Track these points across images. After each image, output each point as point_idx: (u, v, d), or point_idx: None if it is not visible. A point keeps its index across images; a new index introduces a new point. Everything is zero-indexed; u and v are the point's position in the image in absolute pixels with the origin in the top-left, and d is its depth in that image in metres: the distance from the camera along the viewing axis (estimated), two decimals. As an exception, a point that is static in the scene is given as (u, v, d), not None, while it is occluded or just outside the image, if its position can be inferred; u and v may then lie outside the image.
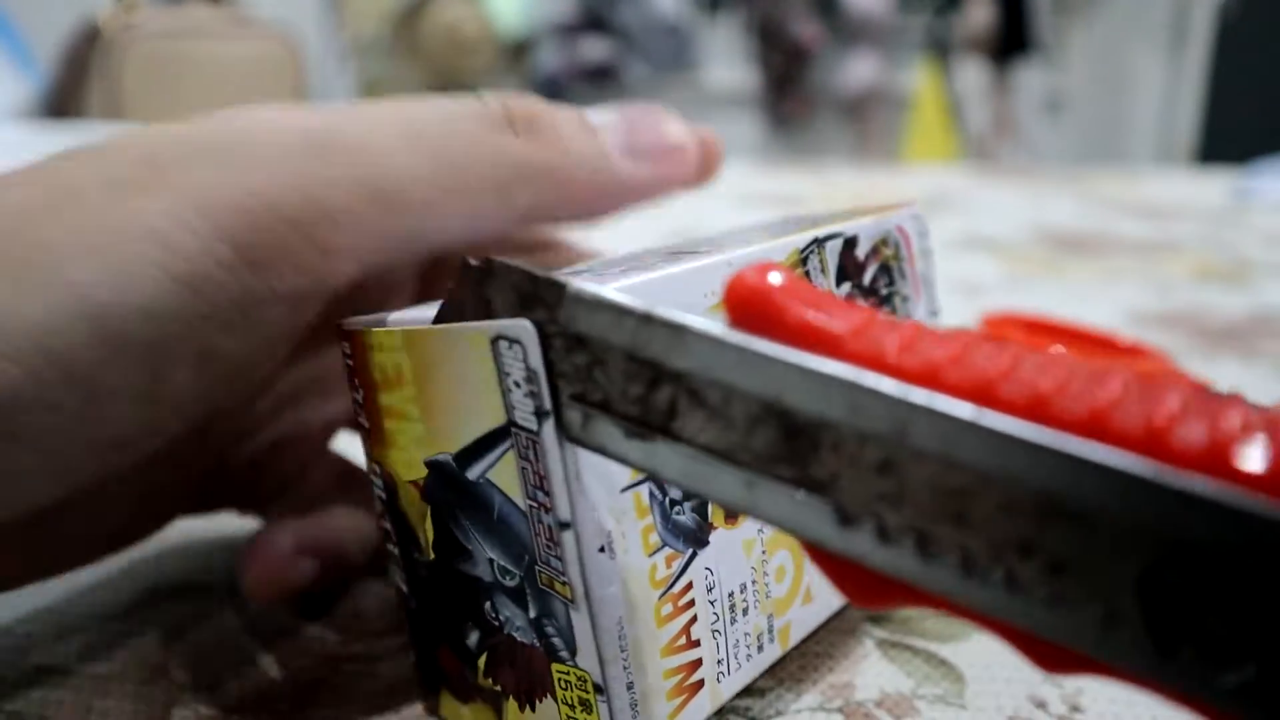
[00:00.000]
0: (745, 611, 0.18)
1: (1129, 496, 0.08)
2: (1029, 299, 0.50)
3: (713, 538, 0.17)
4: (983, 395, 0.10)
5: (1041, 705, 0.19)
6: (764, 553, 0.18)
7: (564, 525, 0.15)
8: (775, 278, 0.12)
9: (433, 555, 0.17)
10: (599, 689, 0.15)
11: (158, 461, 0.18)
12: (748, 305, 0.12)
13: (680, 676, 0.16)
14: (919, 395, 0.09)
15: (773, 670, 0.20)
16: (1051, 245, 0.64)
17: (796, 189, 0.86)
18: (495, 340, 0.14)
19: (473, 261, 0.14)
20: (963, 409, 0.09)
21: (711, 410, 0.11)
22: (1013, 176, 0.96)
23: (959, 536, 0.09)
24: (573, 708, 0.16)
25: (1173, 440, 0.08)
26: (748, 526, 0.18)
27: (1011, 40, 2.52)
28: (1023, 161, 2.43)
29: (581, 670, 0.15)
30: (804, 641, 0.20)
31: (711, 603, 0.17)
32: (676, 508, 0.16)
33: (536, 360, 0.14)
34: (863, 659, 0.21)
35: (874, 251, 0.20)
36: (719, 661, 0.17)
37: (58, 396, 0.14)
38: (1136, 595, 0.08)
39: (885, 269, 0.21)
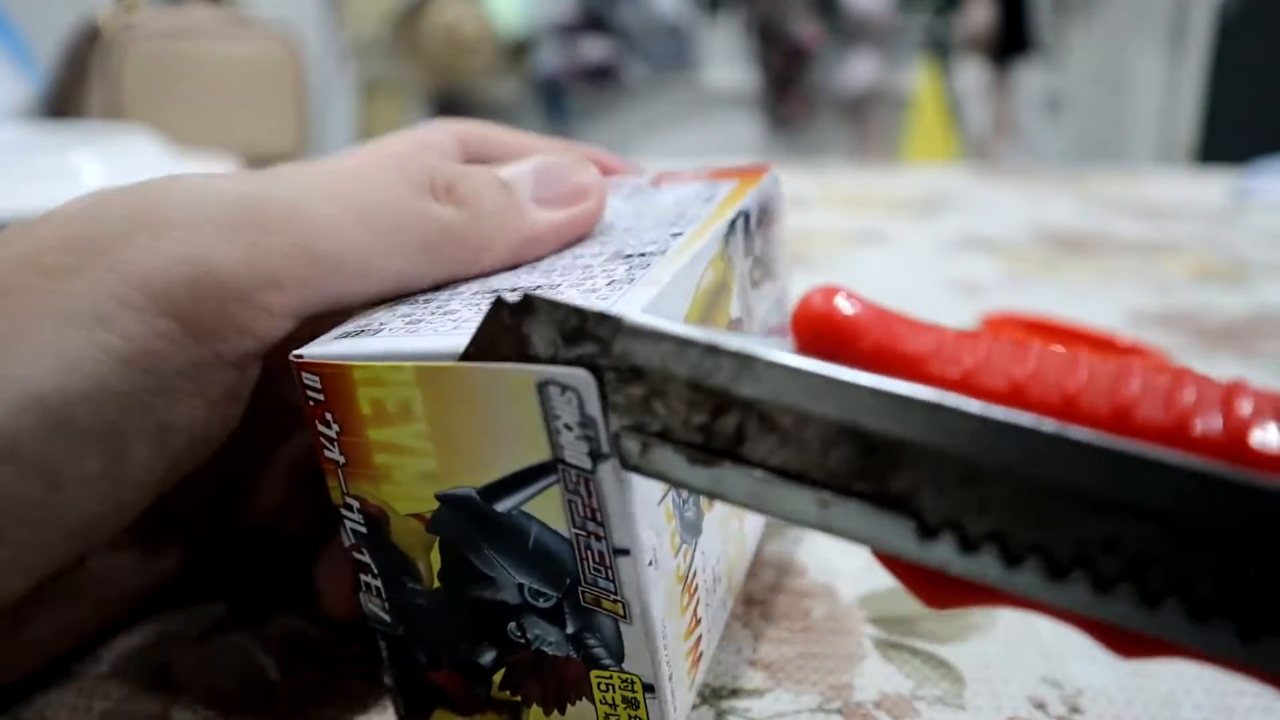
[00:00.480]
0: (719, 579, 0.19)
1: (1205, 495, 0.09)
2: (1029, 299, 0.50)
3: (704, 523, 0.18)
4: (1063, 408, 0.10)
5: (1041, 706, 0.19)
6: (729, 524, 0.19)
7: (621, 552, 0.15)
8: (844, 304, 0.12)
9: (437, 584, 0.17)
10: (649, 688, 0.16)
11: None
12: (819, 330, 0.12)
13: (693, 655, 0.17)
14: (1001, 413, 0.10)
15: (773, 671, 0.20)
16: (1051, 245, 0.64)
17: (796, 189, 0.86)
18: (544, 385, 0.14)
19: (509, 298, 0.14)
20: (1046, 425, 0.10)
21: (784, 434, 0.12)
22: (1013, 176, 0.96)
23: (1042, 541, 0.10)
24: (613, 706, 0.16)
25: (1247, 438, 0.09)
26: (723, 506, 0.18)
27: (1011, 40, 2.52)
28: (1023, 161, 2.43)
29: (628, 674, 0.16)
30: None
31: (704, 582, 0.18)
32: (686, 505, 0.17)
33: (594, 408, 0.14)
34: (862, 660, 0.21)
35: (760, 221, 0.21)
36: (709, 630, 0.18)
37: (18, 489, 0.14)
38: (1217, 585, 0.09)
39: (767, 236, 0.22)
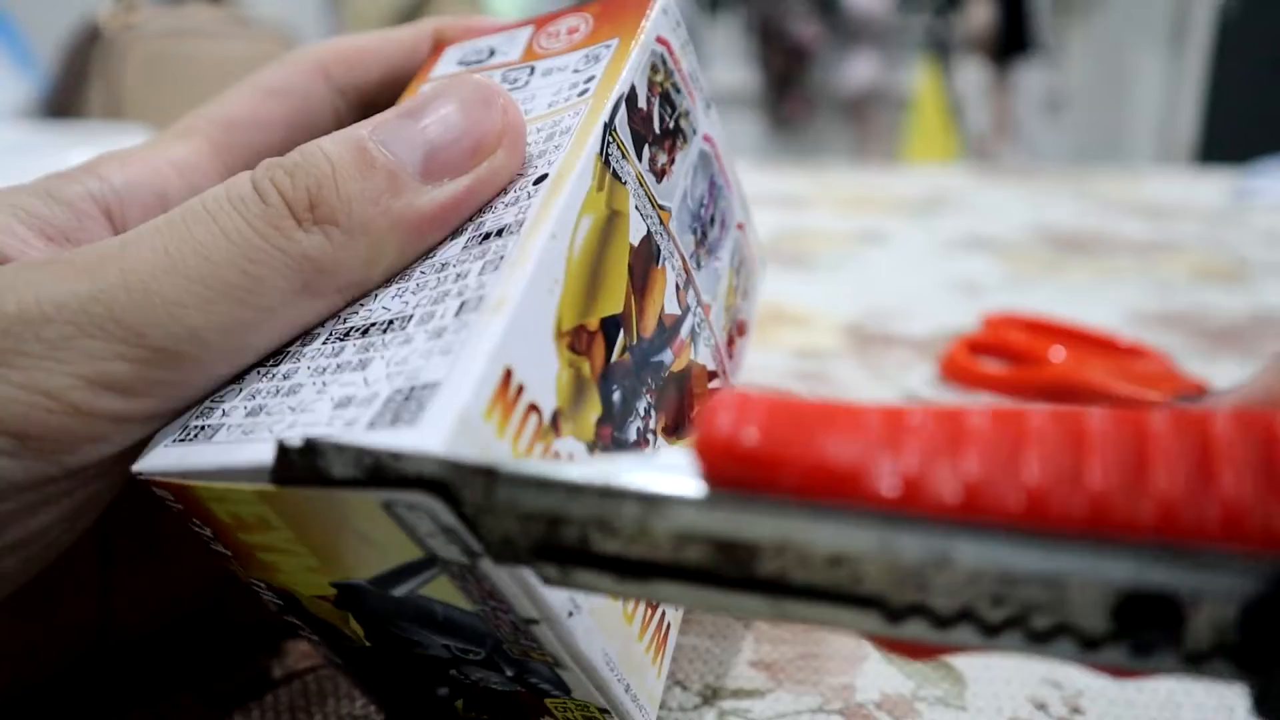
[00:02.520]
0: None
1: (1095, 565, 0.10)
2: (1029, 299, 0.50)
3: None
4: (1026, 514, 0.10)
5: (1041, 707, 0.19)
6: None
7: (531, 621, 0.14)
8: (750, 436, 0.11)
9: (368, 644, 0.16)
10: (604, 710, 0.16)
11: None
12: (730, 464, 0.11)
13: (656, 640, 0.17)
14: (951, 529, 0.10)
15: (774, 671, 0.20)
16: (1051, 245, 0.64)
17: (796, 189, 0.86)
18: (388, 505, 0.13)
19: (290, 442, 0.12)
20: (978, 547, 0.10)
21: (714, 552, 0.11)
22: (1013, 176, 0.96)
23: (999, 614, 0.10)
24: None
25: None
26: None
27: (1011, 40, 2.52)
28: (1023, 161, 2.43)
29: (578, 701, 0.16)
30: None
31: None
32: None
33: (449, 518, 0.12)
34: (863, 660, 0.21)
35: (651, 88, 0.18)
36: (667, 628, 0.18)
37: None
38: (1113, 617, 0.10)
39: (665, 98, 0.19)
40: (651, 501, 0.11)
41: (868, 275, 0.56)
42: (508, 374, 0.13)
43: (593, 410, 0.15)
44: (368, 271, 0.16)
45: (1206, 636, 0.10)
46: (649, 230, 0.17)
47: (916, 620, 0.10)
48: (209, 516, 0.15)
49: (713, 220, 0.20)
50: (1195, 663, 0.10)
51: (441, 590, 0.14)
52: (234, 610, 0.20)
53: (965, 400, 0.37)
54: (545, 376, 0.14)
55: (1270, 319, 0.47)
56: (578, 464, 0.12)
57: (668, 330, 0.18)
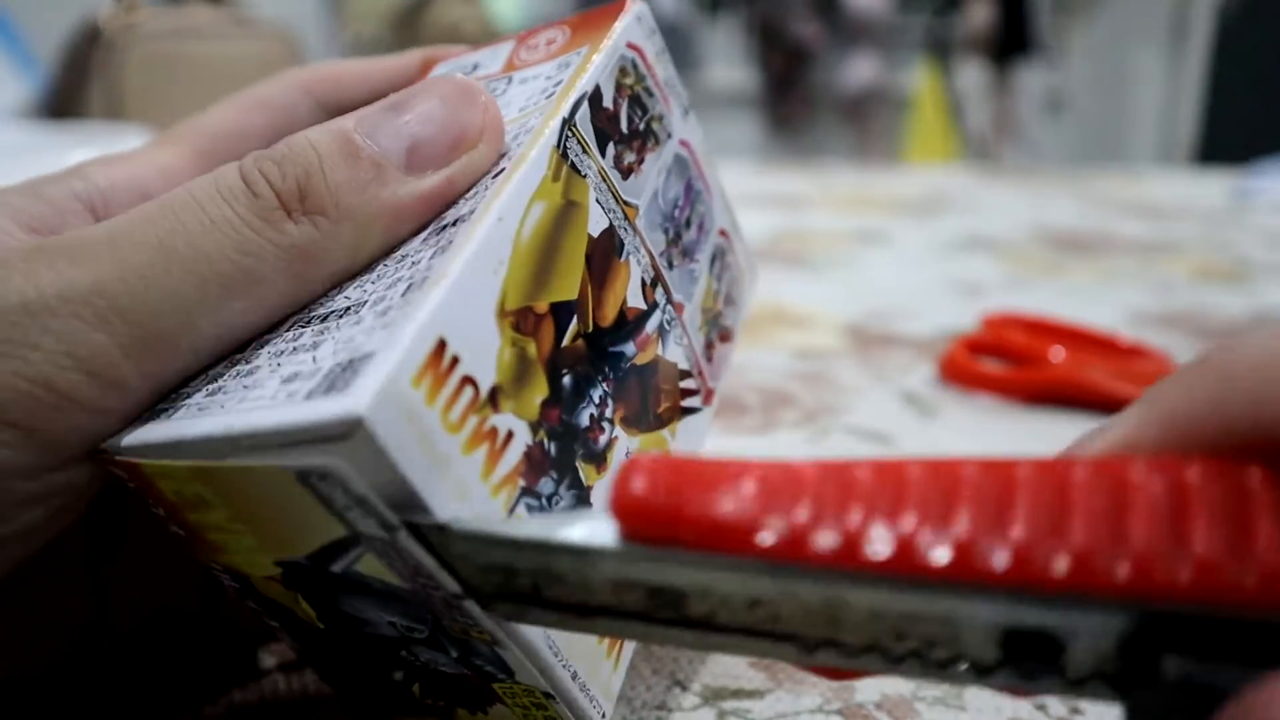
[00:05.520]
0: None
1: (974, 608, 0.11)
2: (1029, 299, 0.50)
3: (594, 492, 0.17)
4: (897, 562, 0.11)
5: (1041, 707, 0.19)
6: None
7: (458, 596, 0.14)
8: (659, 496, 0.12)
9: (322, 626, 0.17)
10: (548, 695, 0.16)
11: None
12: (640, 518, 0.12)
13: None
14: (837, 577, 0.11)
15: (773, 672, 0.20)
16: (1051, 245, 0.64)
17: (796, 189, 0.86)
18: (303, 476, 0.13)
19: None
20: (870, 593, 0.11)
21: (647, 597, 0.12)
22: (1013, 176, 0.96)
23: (902, 647, 0.11)
24: (527, 710, 0.16)
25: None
26: (620, 460, 0.17)
27: (1011, 40, 2.52)
28: (1023, 161, 2.43)
29: (523, 684, 0.16)
30: None
31: None
32: (555, 498, 0.16)
33: (361, 485, 0.13)
34: (863, 660, 0.21)
35: (619, 90, 0.18)
36: None
37: None
38: (1001, 648, 0.11)
39: (635, 101, 0.19)
40: (582, 554, 0.12)
41: (868, 275, 0.56)
42: (441, 344, 0.14)
43: (537, 391, 0.15)
44: (353, 259, 0.16)
45: (1086, 664, 0.11)
46: (611, 224, 0.18)
47: (828, 651, 0.12)
48: (160, 496, 0.15)
49: (688, 223, 0.21)
50: (1077, 686, 0.11)
51: (373, 567, 0.14)
52: (228, 610, 0.20)
53: (961, 398, 0.37)
54: (484, 352, 0.14)
55: (1270, 319, 0.47)
56: (518, 523, 0.13)
57: (630, 323, 0.18)
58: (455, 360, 0.14)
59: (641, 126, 0.19)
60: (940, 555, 0.11)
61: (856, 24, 2.65)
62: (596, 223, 0.17)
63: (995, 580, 0.11)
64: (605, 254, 0.17)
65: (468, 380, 0.14)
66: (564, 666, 0.16)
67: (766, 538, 0.11)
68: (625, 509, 0.12)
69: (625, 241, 0.18)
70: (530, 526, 0.13)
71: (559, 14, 2.72)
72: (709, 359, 0.21)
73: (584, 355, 0.17)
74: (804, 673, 0.20)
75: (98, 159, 0.20)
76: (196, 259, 0.15)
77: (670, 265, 0.20)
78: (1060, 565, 0.11)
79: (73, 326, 0.14)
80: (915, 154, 2.63)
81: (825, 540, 0.11)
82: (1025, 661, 0.11)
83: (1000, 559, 0.11)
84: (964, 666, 0.11)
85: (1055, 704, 0.19)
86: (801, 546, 0.11)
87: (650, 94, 0.19)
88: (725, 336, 0.22)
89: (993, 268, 0.57)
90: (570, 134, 0.17)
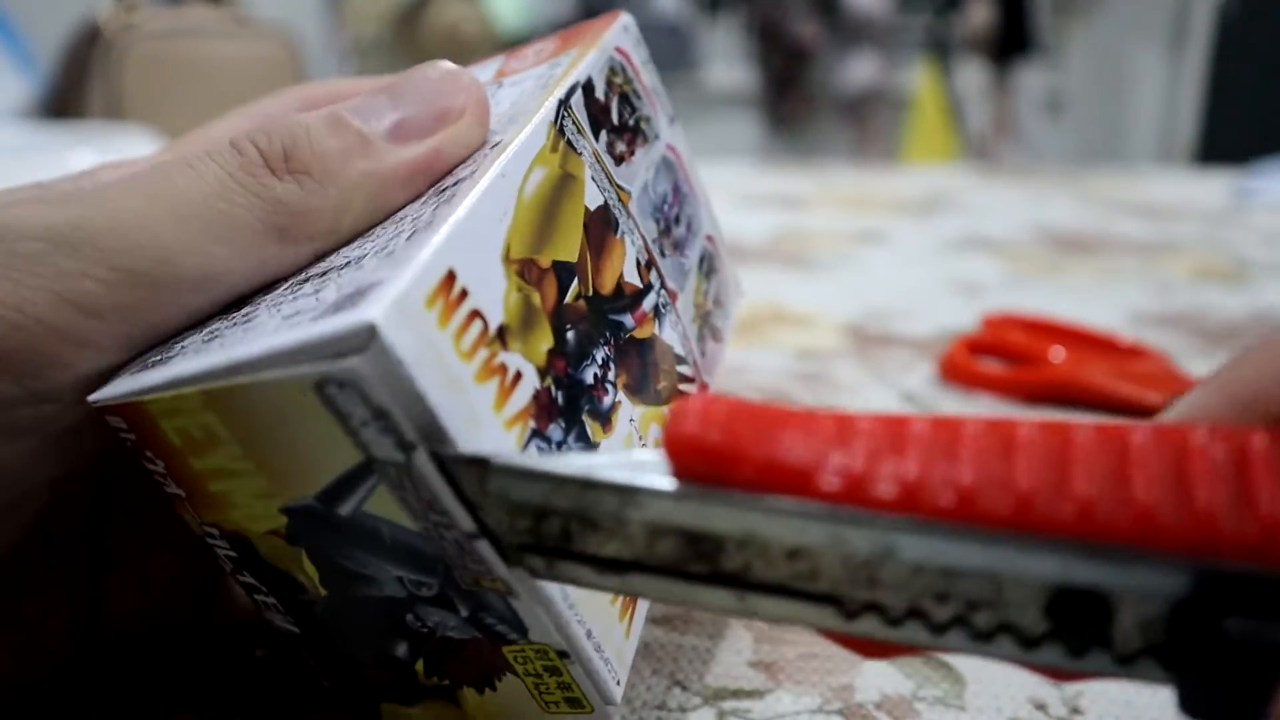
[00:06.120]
0: None
1: (1025, 561, 0.11)
2: (1029, 299, 0.50)
3: (602, 449, 0.17)
4: (960, 508, 0.11)
5: (1041, 707, 0.19)
6: (640, 439, 0.18)
7: (473, 536, 0.14)
8: (715, 434, 0.12)
9: (324, 591, 0.16)
10: (562, 654, 0.15)
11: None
12: (696, 458, 0.12)
13: (622, 598, 0.17)
14: (893, 524, 0.11)
15: (773, 672, 0.20)
16: (1051, 245, 0.64)
17: (796, 189, 0.86)
18: (321, 385, 0.13)
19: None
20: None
21: (684, 545, 0.12)
22: (1013, 176, 0.96)
23: (944, 611, 0.11)
24: (538, 676, 0.16)
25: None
26: (624, 425, 0.17)
27: (1011, 40, 2.52)
28: (1023, 161, 2.43)
29: (538, 644, 0.15)
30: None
31: None
32: (565, 447, 0.16)
33: (383, 396, 0.13)
34: (862, 661, 0.21)
35: (609, 86, 0.19)
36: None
37: None
38: (1048, 616, 0.11)
39: (624, 99, 0.20)
40: (626, 493, 0.12)
41: (868, 275, 0.56)
42: (450, 275, 0.14)
43: (543, 339, 0.16)
44: (337, 220, 0.16)
45: (1135, 635, 0.10)
46: (606, 202, 0.18)
47: (870, 617, 0.11)
48: (161, 442, 0.15)
49: (678, 220, 0.21)
50: (1126, 663, 0.11)
51: (384, 506, 0.14)
52: (222, 613, 0.20)
53: (961, 398, 0.37)
54: (491, 290, 0.15)
55: (1270, 319, 0.47)
56: (561, 458, 0.13)
57: (628, 297, 0.18)
58: (464, 292, 0.14)
59: (631, 122, 0.20)
60: (998, 502, 0.11)
61: (856, 24, 2.65)
62: (592, 198, 0.18)
63: (1053, 528, 0.11)
64: (601, 227, 0.18)
65: (477, 314, 0.14)
66: (579, 622, 0.15)
67: (826, 479, 0.11)
68: (679, 447, 0.12)
69: (620, 221, 0.19)
70: (572, 462, 0.12)
71: (559, 14, 2.72)
72: (702, 353, 0.21)
73: (586, 316, 0.17)
74: (804, 673, 0.20)
75: (109, 163, 0.20)
76: (178, 202, 0.15)
77: (663, 254, 0.20)
78: (1118, 517, 0.10)
79: (42, 250, 0.14)
80: (915, 154, 2.63)
81: (884, 485, 0.11)
82: (1072, 633, 0.11)
83: (1059, 508, 0.11)
84: (1008, 639, 0.11)
85: (1056, 704, 0.19)
86: (859, 489, 0.11)
87: (638, 96, 0.20)
88: (716, 336, 0.22)
89: (992, 268, 0.57)
90: (566, 114, 0.18)
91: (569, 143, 0.17)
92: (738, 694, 0.19)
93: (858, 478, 0.11)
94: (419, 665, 0.17)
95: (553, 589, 0.15)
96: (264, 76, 1.25)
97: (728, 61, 2.82)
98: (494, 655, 0.16)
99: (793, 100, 2.77)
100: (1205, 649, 0.10)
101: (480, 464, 0.13)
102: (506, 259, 0.15)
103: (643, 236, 0.19)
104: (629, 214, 0.19)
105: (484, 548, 0.14)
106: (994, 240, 0.65)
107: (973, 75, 2.59)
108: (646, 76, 0.21)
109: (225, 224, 0.15)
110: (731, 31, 2.81)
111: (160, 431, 0.15)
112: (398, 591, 0.15)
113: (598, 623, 0.16)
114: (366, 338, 0.12)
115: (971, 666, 0.20)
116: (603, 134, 0.19)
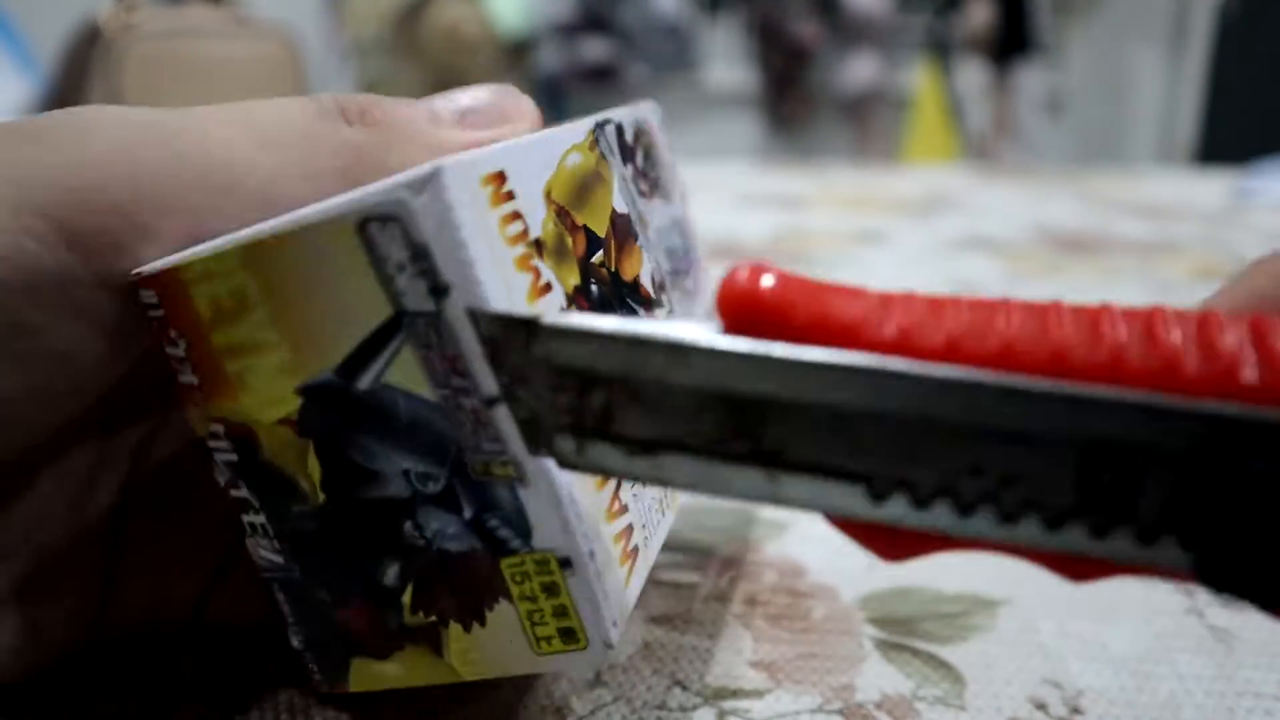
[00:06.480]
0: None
1: (1058, 414, 0.11)
2: (1029, 299, 0.50)
3: None
4: (1001, 356, 0.11)
5: (1042, 707, 0.19)
6: None
7: (492, 401, 0.14)
8: (769, 281, 0.12)
9: (322, 497, 0.16)
10: (565, 563, 0.15)
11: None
12: (747, 309, 0.12)
13: (623, 542, 0.16)
14: (936, 381, 0.11)
15: (773, 671, 0.20)
16: (1051, 245, 0.64)
17: (796, 189, 0.86)
18: (363, 225, 0.14)
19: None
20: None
21: (725, 417, 0.12)
22: (1013, 176, 0.96)
23: (974, 488, 0.11)
24: (533, 600, 0.15)
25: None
26: None
27: (1011, 40, 2.52)
28: (1023, 161, 2.43)
29: (541, 552, 0.15)
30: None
31: None
32: None
33: (421, 232, 0.13)
34: (862, 660, 0.21)
35: (636, 137, 0.21)
36: (643, 526, 0.17)
37: None
38: (1076, 488, 0.11)
39: (647, 153, 0.21)
40: (677, 351, 0.12)
41: (868, 275, 0.56)
42: (502, 174, 0.15)
43: (572, 276, 0.16)
44: (399, 168, 0.18)
45: (1156, 502, 0.11)
46: (629, 213, 0.19)
47: (899, 499, 0.12)
48: (188, 314, 0.15)
49: (687, 272, 0.23)
50: (1148, 541, 0.11)
51: (406, 374, 0.14)
52: (219, 614, 0.20)
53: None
54: (533, 208, 0.15)
55: (1270, 319, 0.47)
56: (610, 319, 0.13)
57: (644, 297, 0.19)
58: (511, 194, 0.15)
59: (653, 174, 0.21)
60: (1037, 350, 0.11)
61: (856, 24, 2.65)
62: (619, 203, 0.19)
63: (1088, 375, 0.11)
64: (625, 229, 0.19)
65: (519, 216, 0.15)
66: (584, 537, 0.15)
67: (874, 330, 0.12)
68: (732, 301, 0.12)
69: (640, 236, 0.20)
70: (621, 323, 0.13)
71: (559, 15, 2.72)
72: None
73: (609, 284, 0.18)
74: (804, 673, 0.20)
75: None
76: (258, 127, 0.16)
77: (674, 286, 0.21)
78: (1151, 358, 0.11)
79: (135, 142, 0.15)
80: (915, 154, 2.63)
81: (931, 336, 0.12)
82: (1098, 508, 0.11)
83: (1093, 354, 0.11)
84: (1034, 519, 0.11)
85: (1056, 704, 0.19)
86: (906, 340, 0.12)
87: (658, 159, 0.22)
88: None
89: (993, 267, 0.57)
90: (601, 133, 0.19)
91: (602, 154, 0.19)
92: (738, 694, 0.19)
93: (905, 329, 0.12)
94: (406, 597, 0.16)
95: (562, 484, 0.15)
96: (264, 76, 1.25)
97: (728, 61, 2.82)
98: (491, 574, 0.15)
99: (793, 100, 2.77)
100: (1227, 502, 0.10)
101: (528, 325, 0.13)
102: (548, 196, 0.16)
103: (657, 261, 0.20)
104: (647, 237, 0.20)
105: (502, 417, 0.14)
106: (994, 240, 0.65)
107: (973, 75, 2.59)
108: (667, 155, 0.22)
109: (297, 153, 0.16)
110: (731, 31, 2.81)
111: (190, 301, 0.15)
112: (402, 490, 0.15)
113: (601, 544, 0.15)
114: (425, 181, 0.13)
115: (972, 666, 0.20)
116: (629, 166, 0.20)
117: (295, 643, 0.17)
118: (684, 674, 0.20)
